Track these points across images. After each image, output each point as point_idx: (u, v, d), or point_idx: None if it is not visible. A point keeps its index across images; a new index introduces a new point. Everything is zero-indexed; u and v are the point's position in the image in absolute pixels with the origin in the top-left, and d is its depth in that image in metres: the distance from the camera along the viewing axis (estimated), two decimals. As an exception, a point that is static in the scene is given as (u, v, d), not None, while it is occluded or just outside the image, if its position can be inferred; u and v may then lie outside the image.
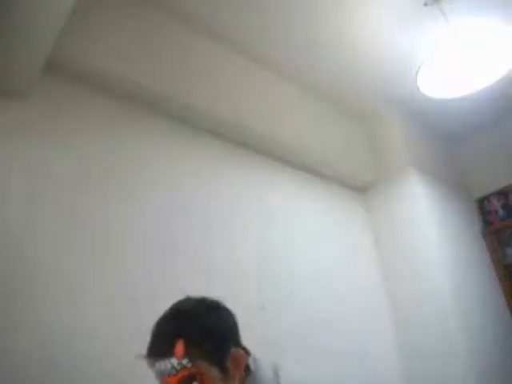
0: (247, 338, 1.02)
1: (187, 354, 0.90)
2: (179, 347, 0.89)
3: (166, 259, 1.83)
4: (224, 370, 0.93)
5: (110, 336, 1.58)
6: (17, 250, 1.50)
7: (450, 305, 2.62)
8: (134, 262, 1.76)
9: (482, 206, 3.36)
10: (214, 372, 0.92)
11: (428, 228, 2.82)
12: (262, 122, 2.44)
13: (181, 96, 2.11)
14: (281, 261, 2.31)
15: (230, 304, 1.03)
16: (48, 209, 1.63)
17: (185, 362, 0.89)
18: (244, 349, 1.00)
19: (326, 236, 2.67)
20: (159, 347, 0.93)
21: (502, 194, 3.28)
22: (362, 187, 3.09)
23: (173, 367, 0.89)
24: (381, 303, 2.77)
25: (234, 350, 0.96)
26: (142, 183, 1.93)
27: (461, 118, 3.22)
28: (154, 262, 1.80)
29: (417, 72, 2.16)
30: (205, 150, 2.24)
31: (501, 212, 3.27)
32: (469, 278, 2.86)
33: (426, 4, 2.29)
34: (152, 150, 2.03)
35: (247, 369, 0.99)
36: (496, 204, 3.30)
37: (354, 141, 3.07)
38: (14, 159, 1.62)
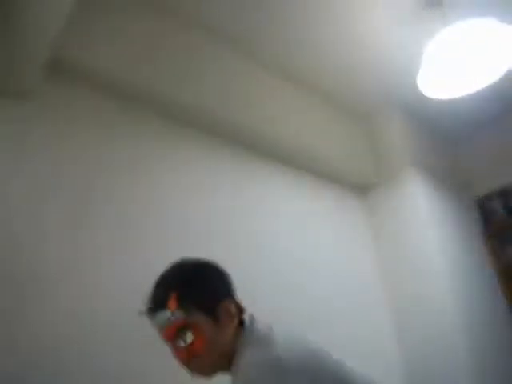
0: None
1: (181, 305, 0.97)
2: (173, 299, 0.97)
3: (167, 259, 1.83)
4: (216, 321, 1.00)
5: (114, 333, 1.59)
6: (20, 250, 1.51)
7: (450, 305, 2.62)
8: (136, 260, 1.76)
9: (483, 206, 3.36)
10: (206, 322, 0.99)
11: (428, 228, 2.82)
12: (262, 122, 2.44)
13: (181, 97, 2.11)
14: (281, 260, 2.31)
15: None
16: (50, 208, 1.63)
17: (178, 313, 0.97)
18: (237, 304, 1.07)
19: (326, 236, 2.67)
20: (156, 301, 1.00)
21: (503, 193, 3.28)
22: (362, 187, 3.09)
23: (168, 319, 0.97)
24: (380, 303, 2.78)
25: (226, 302, 1.02)
26: (143, 183, 1.94)
27: (461, 118, 3.22)
28: (156, 262, 1.80)
29: (417, 72, 2.16)
30: (205, 151, 2.24)
31: (501, 212, 3.27)
32: (469, 277, 2.86)
33: (426, 4, 2.29)
34: (152, 150, 2.03)
35: (242, 323, 1.04)
36: (496, 204, 3.30)
37: (354, 141, 3.07)
38: (14, 159, 1.62)
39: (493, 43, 2.05)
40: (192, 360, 0.99)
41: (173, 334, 0.98)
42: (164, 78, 2.06)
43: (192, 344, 0.97)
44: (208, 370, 1.03)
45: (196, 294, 1.00)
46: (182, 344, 0.98)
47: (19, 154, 1.64)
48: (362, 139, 3.15)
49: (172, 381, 1.66)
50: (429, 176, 3.04)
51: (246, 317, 1.06)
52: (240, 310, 1.07)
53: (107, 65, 1.89)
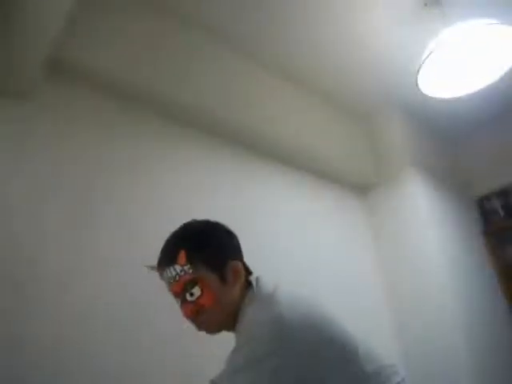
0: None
1: (189, 261, 1.01)
2: (181, 255, 1.01)
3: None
4: (223, 278, 1.03)
5: (114, 332, 1.59)
6: (20, 250, 1.51)
7: (450, 305, 2.62)
8: (136, 260, 1.76)
9: (482, 206, 3.36)
10: (213, 278, 1.02)
11: (428, 228, 2.82)
12: (262, 122, 2.44)
13: (181, 97, 2.11)
14: (281, 260, 2.31)
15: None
16: (50, 208, 1.63)
17: (186, 267, 1.01)
18: (245, 265, 1.11)
19: (326, 236, 2.67)
20: (166, 257, 1.05)
21: (502, 193, 3.28)
22: (362, 187, 3.09)
23: (177, 274, 1.01)
24: (381, 303, 2.78)
25: (233, 262, 1.06)
26: (143, 183, 1.94)
27: (461, 118, 3.22)
28: (155, 262, 1.80)
29: (417, 72, 2.16)
30: (205, 151, 2.24)
31: (501, 212, 3.27)
32: (469, 277, 2.86)
33: (426, 4, 2.29)
34: (152, 150, 2.03)
35: (249, 284, 1.07)
36: (496, 204, 3.30)
37: (354, 141, 3.07)
38: (14, 159, 1.62)
39: (493, 43, 2.05)
40: (199, 315, 1.02)
41: (181, 289, 1.02)
42: (164, 78, 2.06)
43: (199, 298, 1.01)
44: (213, 326, 1.06)
45: (204, 251, 1.03)
46: (189, 298, 1.01)
47: (19, 154, 1.64)
48: (362, 139, 3.15)
49: (172, 381, 1.66)
50: (429, 176, 3.04)
51: (252, 278, 1.08)
52: (247, 272, 1.10)
53: (107, 65, 1.89)
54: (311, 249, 2.51)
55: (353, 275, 2.66)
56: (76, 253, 1.63)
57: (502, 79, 2.25)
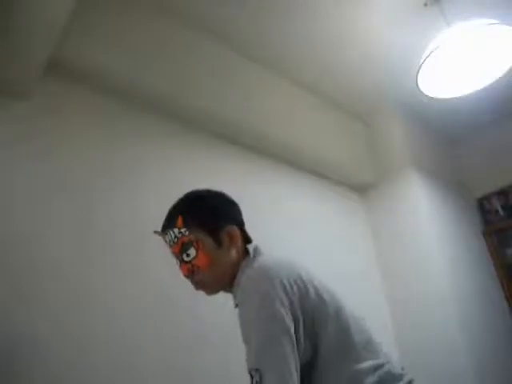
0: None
1: (186, 224, 1.11)
2: (179, 219, 1.11)
3: (167, 259, 1.83)
4: (219, 242, 1.12)
5: (113, 331, 1.59)
6: (21, 249, 1.51)
7: (450, 305, 2.62)
8: (136, 261, 1.76)
9: (482, 206, 3.37)
10: (208, 241, 1.11)
11: (428, 228, 2.82)
12: (263, 123, 2.44)
13: (181, 96, 2.11)
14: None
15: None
16: (50, 208, 1.63)
17: (183, 230, 1.11)
18: (244, 233, 1.19)
19: (326, 236, 2.67)
20: (167, 222, 1.15)
21: (502, 193, 3.28)
22: (362, 187, 3.09)
23: (175, 236, 1.11)
24: (380, 303, 2.78)
25: (229, 227, 1.14)
26: (143, 182, 1.93)
27: (461, 118, 3.22)
28: (155, 262, 1.80)
29: (417, 72, 2.16)
30: (204, 151, 2.24)
31: (501, 212, 3.27)
32: (469, 277, 2.86)
33: (426, 4, 2.29)
34: (152, 149, 2.03)
35: (246, 251, 1.15)
36: (496, 204, 3.30)
37: (354, 141, 3.07)
38: (15, 159, 1.62)
39: (493, 43, 2.05)
40: (194, 274, 1.11)
41: (178, 250, 1.12)
42: (164, 78, 2.05)
43: (194, 259, 1.10)
44: (209, 286, 1.15)
45: (199, 215, 1.13)
46: (185, 258, 1.11)
47: (19, 154, 1.63)
48: (362, 139, 3.15)
49: (172, 381, 1.66)
50: (429, 176, 3.04)
51: (250, 246, 1.16)
52: (246, 240, 1.19)
53: (107, 65, 1.89)
54: (311, 249, 2.51)
55: (353, 275, 2.66)
56: (77, 250, 1.63)
57: (501, 79, 2.25)
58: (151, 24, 2.11)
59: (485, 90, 2.32)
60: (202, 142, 2.24)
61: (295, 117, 2.67)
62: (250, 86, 2.47)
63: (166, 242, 1.16)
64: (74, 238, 1.65)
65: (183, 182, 2.07)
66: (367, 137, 3.19)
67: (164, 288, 1.75)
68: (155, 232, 1.19)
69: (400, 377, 1.01)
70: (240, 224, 1.20)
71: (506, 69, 2.17)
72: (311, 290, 1.01)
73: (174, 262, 1.84)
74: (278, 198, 2.50)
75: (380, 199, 3.06)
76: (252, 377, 0.90)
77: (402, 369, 1.03)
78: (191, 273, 1.11)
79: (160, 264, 1.81)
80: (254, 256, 1.11)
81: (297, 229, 2.50)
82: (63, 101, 1.82)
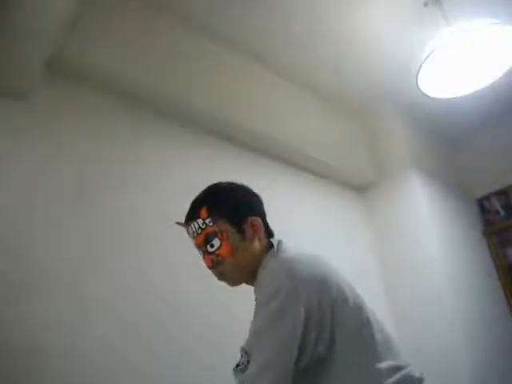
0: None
1: (210, 215, 1.11)
2: (203, 210, 1.11)
3: (167, 259, 1.83)
4: (242, 233, 1.12)
5: (111, 332, 1.59)
6: (15, 250, 1.51)
7: (451, 304, 2.62)
8: (134, 262, 1.76)
9: (483, 206, 3.37)
10: (232, 232, 1.11)
11: (428, 228, 2.82)
12: (262, 122, 2.44)
13: (181, 96, 2.11)
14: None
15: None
16: (50, 208, 1.63)
17: (207, 221, 1.11)
18: (266, 226, 1.20)
19: (326, 236, 2.67)
20: (190, 213, 1.15)
21: (503, 193, 3.28)
22: (362, 187, 3.09)
23: (199, 227, 1.11)
24: (380, 303, 2.77)
25: (252, 218, 1.14)
26: (143, 182, 1.93)
27: (461, 118, 3.22)
28: (153, 262, 1.80)
29: (417, 72, 2.16)
30: (204, 150, 2.24)
31: (501, 212, 3.27)
32: (469, 277, 2.86)
33: (426, 4, 2.29)
34: (153, 149, 2.03)
35: (270, 244, 1.14)
36: (496, 204, 3.30)
37: (354, 141, 3.07)
38: (15, 159, 1.62)
39: (493, 43, 2.05)
40: (218, 265, 1.11)
41: (202, 240, 1.11)
42: (164, 78, 2.05)
43: (218, 249, 1.10)
44: (232, 278, 1.14)
45: (223, 207, 1.13)
46: (209, 249, 1.10)
47: (19, 153, 1.63)
48: (362, 139, 3.15)
49: (172, 381, 1.66)
50: (429, 176, 3.04)
51: (275, 241, 1.15)
52: (269, 233, 1.19)
53: (107, 64, 1.89)
54: (311, 248, 2.51)
55: (352, 275, 2.64)
56: (73, 251, 1.63)
57: (501, 79, 2.25)
58: (151, 24, 2.11)
59: (485, 90, 2.32)
60: (202, 142, 2.24)
61: (295, 116, 2.67)
62: (249, 85, 2.47)
63: (188, 233, 1.16)
64: (73, 238, 1.64)
65: (183, 182, 2.09)
66: (367, 137, 3.18)
67: (164, 288, 1.75)
68: (178, 223, 1.18)
69: (419, 381, 0.99)
70: (262, 215, 1.20)
71: (505, 69, 2.17)
72: (333, 286, 1.01)
73: (174, 262, 1.85)
74: (278, 197, 2.50)
75: (380, 199, 3.06)
76: (241, 356, 0.93)
77: (422, 374, 1.01)
78: (215, 263, 1.11)
79: (159, 264, 1.82)
80: (278, 250, 1.11)
81: (296, 228, 2.50)
82: (63, 100, 1.82)
